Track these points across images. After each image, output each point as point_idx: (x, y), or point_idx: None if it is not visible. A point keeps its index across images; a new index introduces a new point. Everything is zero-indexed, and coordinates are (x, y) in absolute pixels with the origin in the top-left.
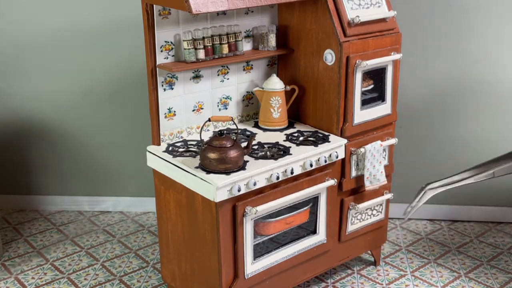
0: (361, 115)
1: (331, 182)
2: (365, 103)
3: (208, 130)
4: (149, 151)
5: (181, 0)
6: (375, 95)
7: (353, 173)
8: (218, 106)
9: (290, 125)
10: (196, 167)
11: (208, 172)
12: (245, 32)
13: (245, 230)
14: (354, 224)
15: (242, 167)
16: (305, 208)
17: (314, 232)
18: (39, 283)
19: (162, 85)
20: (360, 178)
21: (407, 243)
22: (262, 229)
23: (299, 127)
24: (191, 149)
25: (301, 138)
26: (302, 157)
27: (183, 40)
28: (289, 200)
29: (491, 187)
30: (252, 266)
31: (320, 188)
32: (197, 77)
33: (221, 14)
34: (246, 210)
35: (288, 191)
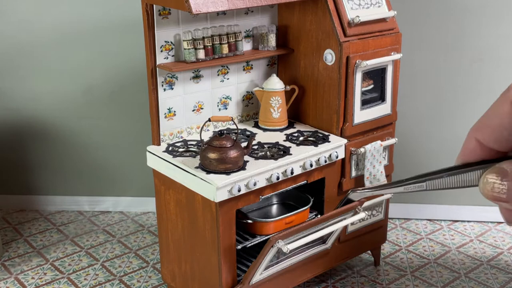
0: (361, 115)
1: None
2: (365, 103)
3: (208, 130)
4: (149, 151)
5: (181, 0)
6: (375, 95)
7: (353, 173)
8: (218, 106)
9: (290, 125)
10: (196, 167)
11: (208, 172)
12: (245, 32)
13: None
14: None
15: (242, 167)
16: (305, 207)
17: (324, 242)
18: (39, 283)
19: (162, 85)
20: (360, 178)
21: (407, 243)
22: (262, 229)
23: (299, 127)
24: (191, 149)
25: (301, 138)
26: (302, 157)
27: (183, 40)
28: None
29: None
30: (259, 276)
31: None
32: (197, 77)
33: (221, 14)
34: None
35: None
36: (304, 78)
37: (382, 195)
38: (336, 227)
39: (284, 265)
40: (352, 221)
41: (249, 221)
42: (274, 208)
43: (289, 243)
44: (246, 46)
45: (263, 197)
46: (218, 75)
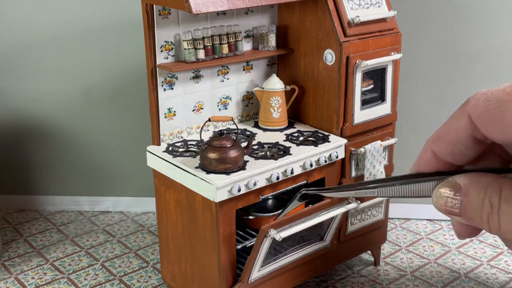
0: (361, 115)
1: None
2: (365, 103)
3: (208, 130)
4: (149, 151)
5: (181, 0)
6: (375, 95)
7: (353, 173)
8: (218, 106)
9: (290, 125)
10: (196, 167)
11: (208, 172)
12: (245, 32)
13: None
14: (354, 224)
15: (242, 167)
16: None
17: (321, 239)
18: (39, 283)
19: (162, 85)
20: (360, 178)
21: (407, 243)
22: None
23: (299, 127)
24: (191, 149)
25: (301, 138)
26: (302, 157)
27: (183, 40)
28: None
29: None
30: (258, 273)
31: None
32: (197, 77)
33: (221, 14)
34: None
35: None
36: (304, 78)
37: (332, 198)
38: (328, 216)
39: (283, 262)
40: (344, 211)
41: (265, 215)
42: (273, 203)
43: (281, 232)
44: (246, 46)
45: (263, 197)
46: (218, 75)
